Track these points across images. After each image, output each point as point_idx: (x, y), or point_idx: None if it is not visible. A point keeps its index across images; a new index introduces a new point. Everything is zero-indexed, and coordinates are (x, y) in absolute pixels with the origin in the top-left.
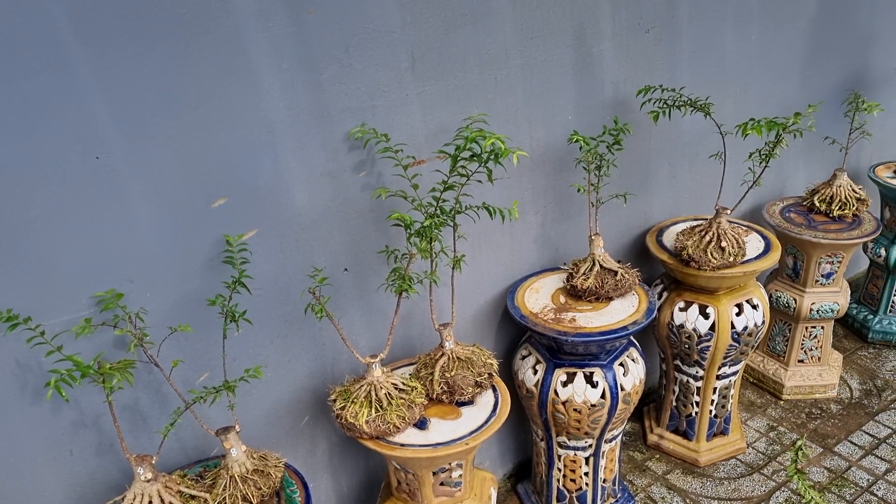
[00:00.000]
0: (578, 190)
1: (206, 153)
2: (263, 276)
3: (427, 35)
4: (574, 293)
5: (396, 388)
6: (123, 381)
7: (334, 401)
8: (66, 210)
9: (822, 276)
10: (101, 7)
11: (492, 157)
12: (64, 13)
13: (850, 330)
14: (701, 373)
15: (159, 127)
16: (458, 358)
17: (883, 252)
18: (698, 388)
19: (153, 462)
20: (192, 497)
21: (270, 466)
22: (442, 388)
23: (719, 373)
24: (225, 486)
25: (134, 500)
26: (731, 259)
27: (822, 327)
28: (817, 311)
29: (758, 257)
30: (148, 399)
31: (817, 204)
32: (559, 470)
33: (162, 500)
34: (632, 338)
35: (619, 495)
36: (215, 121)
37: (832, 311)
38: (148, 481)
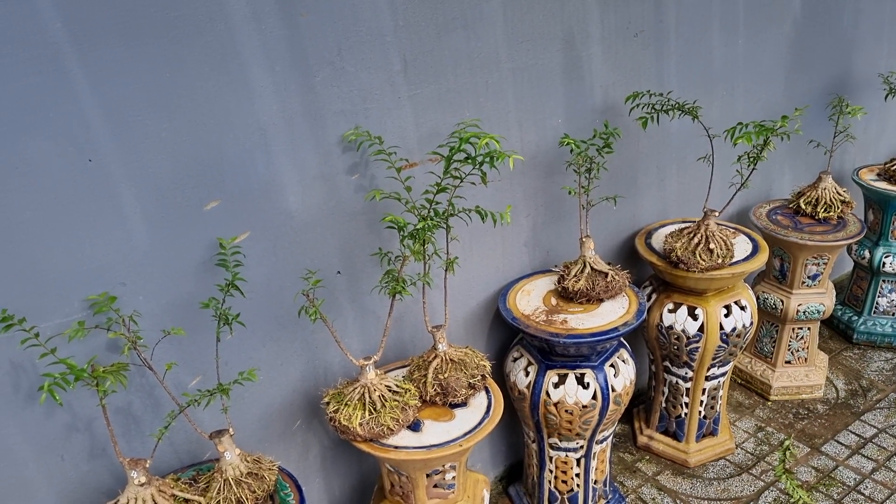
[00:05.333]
0: (569, 192)
1: (199, 155)
2: (256, 278)
3: (419, 38)
4: (565, 295)
5: (390, 391)
6: (117, 385)
7: (327, 403)
8: (58, 212)
9: (809, 277)
10: (93, 8)
11: (487, 159)
12: (55, 14)
13: (836, 331)
14: (690, 374)
15: (152, 129)
16: (451, 360)
17: (867, 254)
18: (687, 390)
19: (147, 466)
20: (187, 500)
21: (264, 469)
22: (435, 389)
23: (708, 374)
24: (219, 489)
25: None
26: (720, 261)
27: (809, 328)
28: (804, 312)
29: (746, 259)
30: (140, 402)
31: (803, 206)
32: (551, 471)
33: None
34: (622, 339)
35: (609, 496)
36: (208, 123)
37: (818, 312)
38: (142, 485)
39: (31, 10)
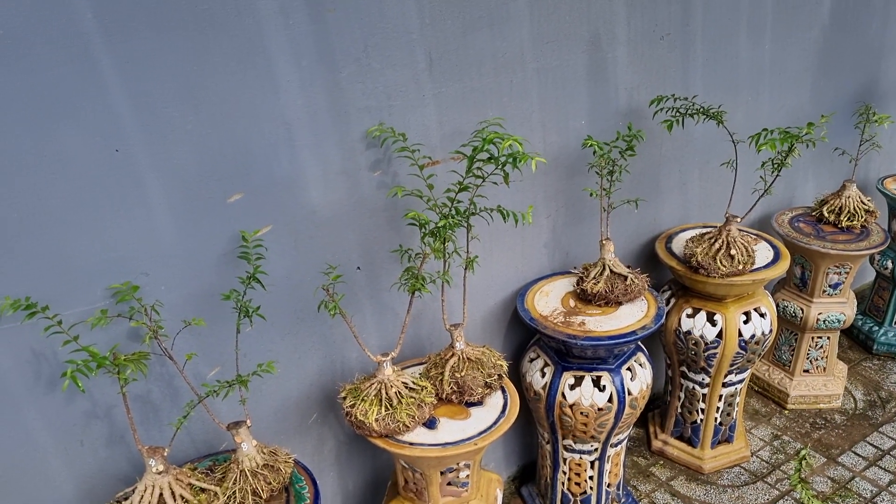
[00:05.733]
0: (591, 194)
1: (224, 148)
2: (276, 272)
3: (445, 37)
4: (584, 297)
5: (406, 387)
6: (137, 373)
7: (344, 398)
8: (84, 201)
9: (830, 286)
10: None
11: (510, 160)
12: (86, 5)
13: (856, 341)
14: (707, 380)
15: (178, 121)
16: (468, 358)
17: (890, 264)
18: (704, 395)
19: (165, 454)
20: (203, 490)
21: (280, 462)
22: (452, 388)
23: (725, 380)
24: (235, 479)
25: (145, 491)
26: (741, 267)
27: (829, 338)
28: (824, 321)
29: (767, 266)
30: (160, 392)
31: (826, 214)
32: (564, 473)
33: (173, 493)
34: (640, 343)
35: (623, 500)
36: (233, 116)
37: (839, 321)
38: (159, 473)
39: (64, 0)
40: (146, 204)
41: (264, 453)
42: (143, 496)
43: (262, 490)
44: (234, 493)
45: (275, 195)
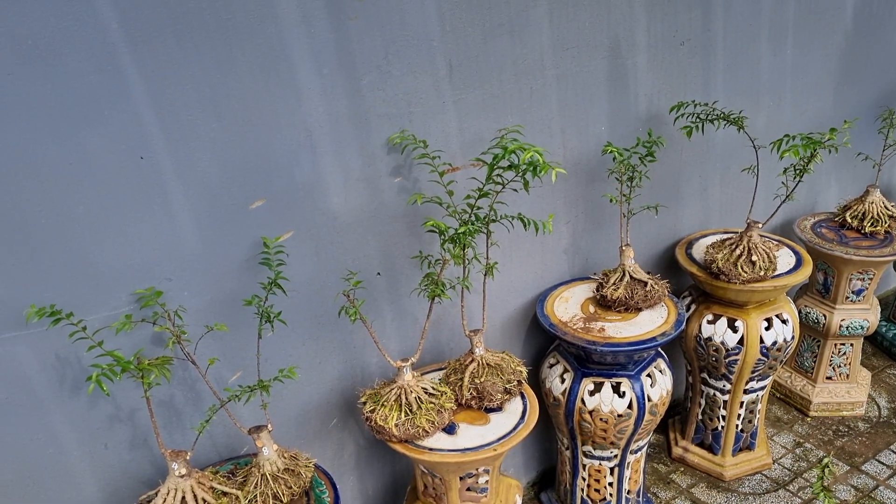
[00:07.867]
0: (611, 200)
1: (246, 155)
2: (297, 277)
3: (465, 44)
4: (603, 303)
5: (426, 393)
6: (161, 378)
7: (364, 403)
8: (109, 208)
9: (853, 292)
10: (149, 10)
11: (530, 169)
12: (113, 15)
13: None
14: (728, 386)
15: (202, 128)
16: (487, 364)
17: None
18: (725, 402)
19: (188, 458)
20: (224, 493)
21: (301, 466)
22: (471, 393)
23: (747, 387)
24: (256, 483)
25: (168, 494)
26: (762, 273)
27: (852, 344)
28: (847, 327)
29: (789, 272)
30: (182, 396)
31: (849, 220)
32: (584, 479)
33: (195, 496)
34: (660, 349)
35: None
36: (256, 123)
37: (862, 328)
38: (182, 477)
39: (91, 11)
40: (170, 210)
41: (285, 457)
42: (165, 499)
43: (283, 494)
44: (256, 496)
45: (296, 201)
